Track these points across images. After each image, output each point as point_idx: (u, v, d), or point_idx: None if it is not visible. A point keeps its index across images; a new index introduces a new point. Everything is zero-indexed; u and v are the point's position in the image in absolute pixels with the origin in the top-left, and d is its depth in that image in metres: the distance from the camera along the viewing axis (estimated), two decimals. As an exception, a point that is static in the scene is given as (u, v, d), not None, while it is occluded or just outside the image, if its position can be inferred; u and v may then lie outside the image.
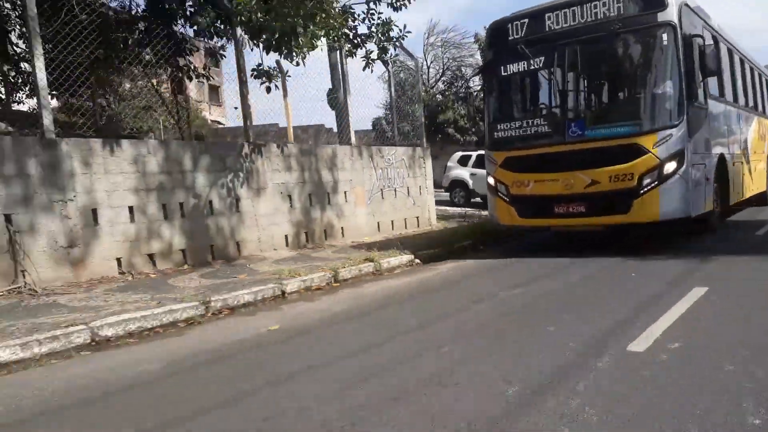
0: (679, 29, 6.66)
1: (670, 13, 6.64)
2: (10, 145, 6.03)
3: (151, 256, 7.14)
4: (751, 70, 11.35)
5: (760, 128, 11.50)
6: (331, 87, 11.42)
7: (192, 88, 28.09)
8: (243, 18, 7.16)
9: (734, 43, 10.07)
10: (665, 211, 6.62)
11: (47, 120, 6.28)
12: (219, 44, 10.97)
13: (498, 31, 7.87)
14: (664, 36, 6.66)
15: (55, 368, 4.05)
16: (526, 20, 7.49)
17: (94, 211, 6.63)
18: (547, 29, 7.31)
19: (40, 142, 6.24)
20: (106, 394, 3.41)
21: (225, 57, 11.52)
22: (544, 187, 7.17)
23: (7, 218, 5.93)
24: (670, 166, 6.58)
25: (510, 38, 7.59)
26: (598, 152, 6.76)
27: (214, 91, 37.68)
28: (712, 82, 7.99)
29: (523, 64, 7.46)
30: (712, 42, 7.83)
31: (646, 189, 6.61)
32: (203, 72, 11.58)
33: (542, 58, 7.25)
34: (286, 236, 8.91)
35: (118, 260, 6.84)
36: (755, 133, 11.02)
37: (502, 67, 7.75)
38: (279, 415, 2.83)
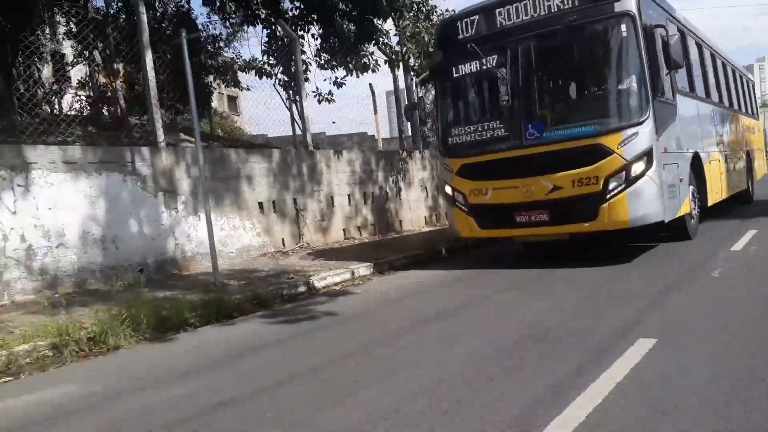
0: (638, 19, 6.32)
1: (629, 3, 6.32)
2: (293, 155, 9.21)
3: (357, 228, 10.36)
4: (724, 66, 11.19)
5: (737, 125, 11.44)
6: (407, 104, 14.65)
7: (213, 100, 30.95)
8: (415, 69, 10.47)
9: (704, 38, 9.84)
10: (636, 217, 6.27)
11: (309, 138, 9.49)
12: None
13: (447, 29, 7.60)
14: (623, 27, 6.29)
15: (386, 279, 7.29)
16: (476, 17, 7.14)
17: (332, 197, 9.84)
18: (498, 25, 6.97)
19: (306, 152, 9.44)
20: (437, 286, 6.69)
21: (345, 85, 14.63)
22: (503, 195, 6.81)
23: (295, 201, 9.12)
24: (637, 167, 6.23)
25: (460, 37, 7.24)
26: (559, 155, 6.43)
27: (232, 102, 40.15)
28: (681, 77, 7.78)
29: (475, 63, 7.07)
30: (677, 33, 7.38)
31: (612, 193, 6.24)
32: (328, 96, 14.72)
33: (494, 57, 6.90)
34: (424, 217, 12.15)
35: (343, 230, 10.02)
36: (732, 130, 10.92)
37: (453, 68, 7.38)
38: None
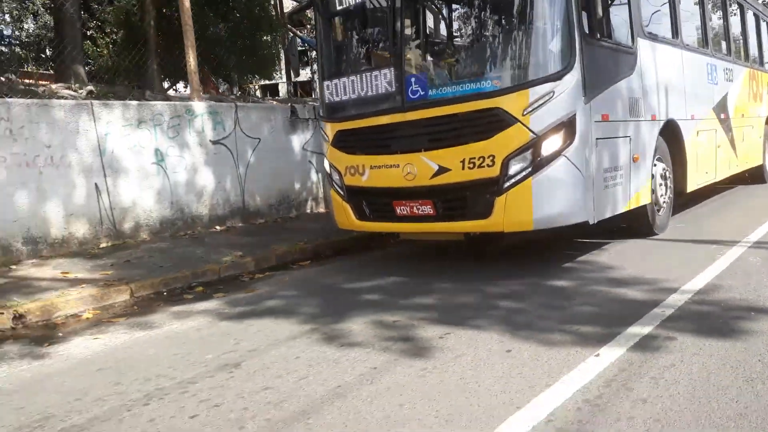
0: None
1: None
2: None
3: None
4: (742, 8, 9.00)
5: (752, 84, 8.87)
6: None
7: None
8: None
9: None
10: (543, 216, 4.45)
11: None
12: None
13: None
14: None
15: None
16: None
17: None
18: None
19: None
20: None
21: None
22: (381, 176, 5.06)
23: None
24: (550, 144, 4.38)
25: None
26: (447, 123, 4.69)
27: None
28: (657, 19, 6.12)
29: None
30: None
31: (512, 180, 4.42)
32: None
33: None
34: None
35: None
36: (743, 90, 8.52)
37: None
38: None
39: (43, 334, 4.00)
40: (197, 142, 7.33)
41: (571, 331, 3.19)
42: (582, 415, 2.23)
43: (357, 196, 5.30)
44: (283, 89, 34.87)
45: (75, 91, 10.01)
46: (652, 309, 3.43)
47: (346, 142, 5.33)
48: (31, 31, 20.09)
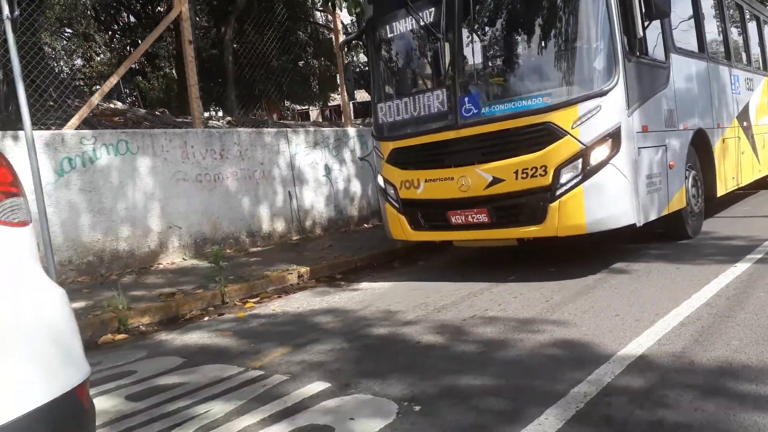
0: None
1: None
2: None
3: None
4: (758, 20, 9.47)
5: None
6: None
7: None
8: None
9: None
10: (595, 220, 4.84)
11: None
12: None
13: None
14: None
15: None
16: None
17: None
18: None
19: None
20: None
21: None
22: (436, 188, 5.53)
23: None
24: (598, 153, 4.80)
25: None
26: (500, 138, 5.12)
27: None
28: (684, 34, 6.45)
29: (410, 21, 5.82)
30: None
31: (564, 188, 4.85)
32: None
33: (431, 11, 5.61)
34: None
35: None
36: (763, 98, 9.11)
37: (383, 27, 6.09)
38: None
39: (329, 284, 5.87)
40: (350, 158, 9.30)
41: (710, 259, 5.03)
42: (744, 284, 4.08)
43: (412, 208, 5.73)
44: (313, 114, 37.70)
45: (217, 120, 12.11)
46: (755, 248, 5.23)
47: (401, 158, 5.79)
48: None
